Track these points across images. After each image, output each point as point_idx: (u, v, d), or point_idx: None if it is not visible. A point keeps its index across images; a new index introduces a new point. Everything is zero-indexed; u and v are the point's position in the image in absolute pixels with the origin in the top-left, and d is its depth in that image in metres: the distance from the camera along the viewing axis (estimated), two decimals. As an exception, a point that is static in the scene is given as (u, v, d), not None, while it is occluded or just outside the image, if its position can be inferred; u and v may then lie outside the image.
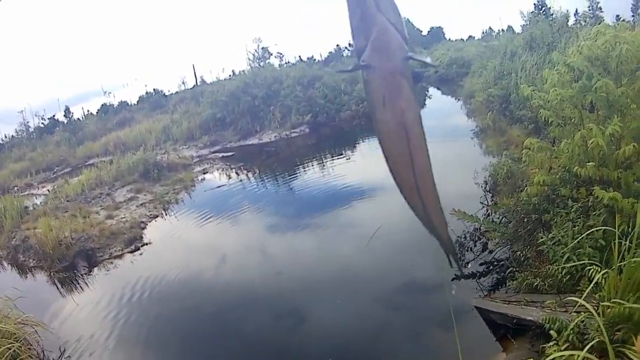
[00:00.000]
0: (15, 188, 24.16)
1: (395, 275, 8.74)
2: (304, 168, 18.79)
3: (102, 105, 40.71)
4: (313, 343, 7.49)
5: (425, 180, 1.52)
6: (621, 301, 3.76)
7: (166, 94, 41.33)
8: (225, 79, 36.13)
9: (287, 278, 9.72)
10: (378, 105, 1.39)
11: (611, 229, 4.71)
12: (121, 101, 41.45)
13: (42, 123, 37.02)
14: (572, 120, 6.58)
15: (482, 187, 10.48)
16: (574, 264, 5.24)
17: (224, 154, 24.12)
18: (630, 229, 4.56)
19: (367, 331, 7.37)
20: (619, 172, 5.54)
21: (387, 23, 1.33)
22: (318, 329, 7.82)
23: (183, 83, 42.63)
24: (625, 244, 4.27)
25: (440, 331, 6.85)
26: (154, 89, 42.69)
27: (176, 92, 41.03)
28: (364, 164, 17.30)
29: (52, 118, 37.32)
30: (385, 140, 1.45)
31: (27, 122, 37.13)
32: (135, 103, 41.69)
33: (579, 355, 3.54)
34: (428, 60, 1.44)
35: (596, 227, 5.31)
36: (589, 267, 4.71)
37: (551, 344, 4.31)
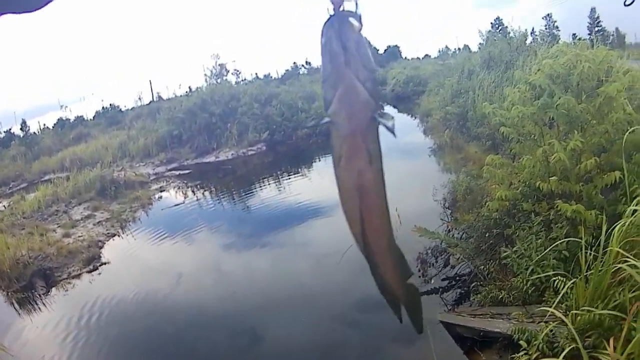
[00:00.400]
0: (-30, 205, 23.28)
1: (354, 292, 8.63)
2: (261, 186, 18.76)
3: (59, 119, 40.23)
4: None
5: (380, 247, 1.48)
6: (590, 309, 3.86)
7: (122, 110, 41.08)
8: (182, 96, 36.00)
9: (242, 297, 9.62)
10: (335, 164, 1.39)
11: (576, 239, 4.84)
12: (77, 116, 40.93)
13: (-2, 137, 36.22)
14: (533, 136, 6.78)
15: (441, 203, 10.58)
16: (538, 275, 5.35)
17: (181, 172, 23.87)
18: (594, 239, 4.70)
19: (328, 347, 7.34)
20: (581, 185, 5.72)
21: (354, 81, 1.32)
22: (274, 346, 7.73)
23: (139, 99, 42.33)
24: (590, 254, 4.39)
25: (404, 347, 6.87)
26: (110, 104, 42.50)
27: (132, 108, 40.74)
28: (320, 182, 17.33)
29: (8, 131, 36.52)
30: (341, 199, 1.44)
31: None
32: (92, 118, 41.26)
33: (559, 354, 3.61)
34: (390, 124, 1.39)
35: (559, 239, 5.43)
36: (554, 278, 4.82)
37: (521, 354, 4.37)
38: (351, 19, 1.30)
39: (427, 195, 10.92)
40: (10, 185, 26.89)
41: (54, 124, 39.58)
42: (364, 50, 1.31)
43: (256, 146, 25.67)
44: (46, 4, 1.23)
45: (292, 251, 11.45)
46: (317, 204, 13.94)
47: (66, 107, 40.98)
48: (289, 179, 19.12)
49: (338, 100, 1.30)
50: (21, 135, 36.00)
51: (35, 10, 1.23)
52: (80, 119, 40.20)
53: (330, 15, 1.30)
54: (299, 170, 20.32)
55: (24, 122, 36.34)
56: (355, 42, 1.32)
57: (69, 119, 40.02)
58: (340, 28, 1.29)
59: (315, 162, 21.64)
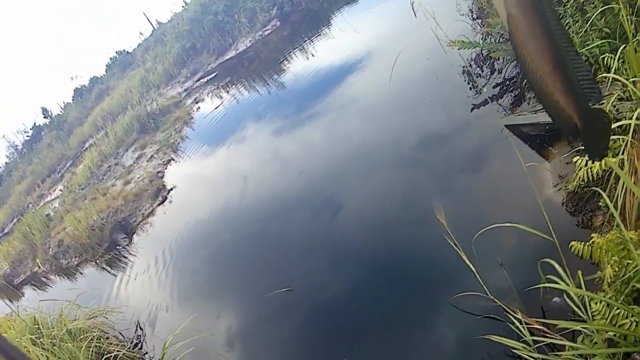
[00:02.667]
0: (30, 205, 24.24)
1: (413, 130, 8.68)
2: (288, 60, 18.64)
3: (75, 90, 40.04)
4: (357, 219, 7.59)
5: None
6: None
7: (130, 52, 40.28)
8: (180, 12, 35.17)
9: (310, 172, 9.79)
10: None
11: (612, 6, 4.80)
12: (91, 78, 40.58)
13: (27, 136, 36.78)
14: None
15: (469, 16, 10.33)
16: (585, 53, 5.37)
17: (208, 78, 24.03)
18: (631, 8, 4.68)
19: (408, 189, 7.48)
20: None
21: None
22: (356, 205, 7.90)
23: (141, 34, 41.39)
24: (632, 23, 4.37)
25: (478, 161, 6.91)
26: (116, 52, 41.82)
27: (138, 45, 40.01)
28: (344, 37, 17.02)
29: (34, 126, 37.17)
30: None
31: (14, 142, 36.97)
32: (104, 73, 40.75)
33: (627, 128, 3.70)
34: None
35: (595, 18, 5.37)
36: (602, 56, 4.87)
37: (590, 134, 4.46)
38: None
39: (451, 12, 10.54)
40: (57, 170, 27.58)
41: (72, 96, 39.58)
42: None
43: (270, 24, 25.26)
44: None
45: (341, 112, 11.34)
46: (348, 59, 13.80)
47: (76, 76, 41.06)
48: (313, 44, 18.80)
49: None
50: (47, 122, 36.68)
51: None
52: (94, 80, 39.82)
53: None
54: (319, 31, 19.92)
55: (44, 109, 36.98)
56: None
57: (84, 85, 39.79)
58: None
59: (331, 19, 21.16)
